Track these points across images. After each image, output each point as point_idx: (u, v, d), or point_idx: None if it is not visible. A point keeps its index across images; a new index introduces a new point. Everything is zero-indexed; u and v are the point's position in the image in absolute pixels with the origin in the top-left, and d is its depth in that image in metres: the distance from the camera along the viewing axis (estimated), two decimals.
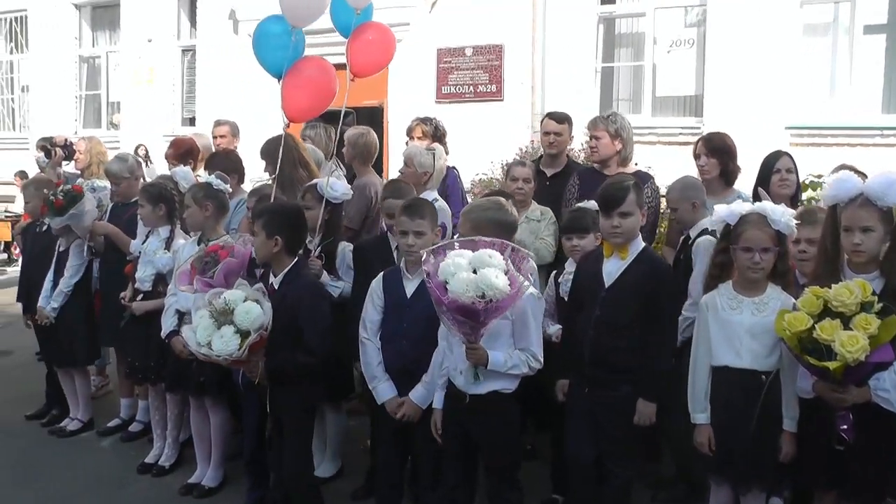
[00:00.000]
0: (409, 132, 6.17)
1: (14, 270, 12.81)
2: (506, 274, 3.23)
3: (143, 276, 4.92)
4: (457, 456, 3.73)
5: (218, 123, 7.11)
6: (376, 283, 4.01)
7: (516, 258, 3.34)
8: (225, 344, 3.54)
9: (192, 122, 13.71)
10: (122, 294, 5.09)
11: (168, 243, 4.93)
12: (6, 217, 13.32)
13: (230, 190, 4.75)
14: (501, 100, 10.47)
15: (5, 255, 13.73)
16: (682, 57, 10.29)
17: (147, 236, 5.03)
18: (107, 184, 6.02)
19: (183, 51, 13.72)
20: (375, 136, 6.00)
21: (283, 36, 4.76)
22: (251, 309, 3.60)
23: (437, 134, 6.08)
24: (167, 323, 4.63)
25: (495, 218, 3.80)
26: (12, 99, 16.23)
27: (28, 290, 5.90)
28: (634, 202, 3.80)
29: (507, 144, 9.36)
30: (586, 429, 3.87)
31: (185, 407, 5.04)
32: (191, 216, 4.63)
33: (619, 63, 10.80)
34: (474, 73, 10.58)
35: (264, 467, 4.44)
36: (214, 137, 6.99)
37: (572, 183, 5.38)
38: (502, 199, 4.03)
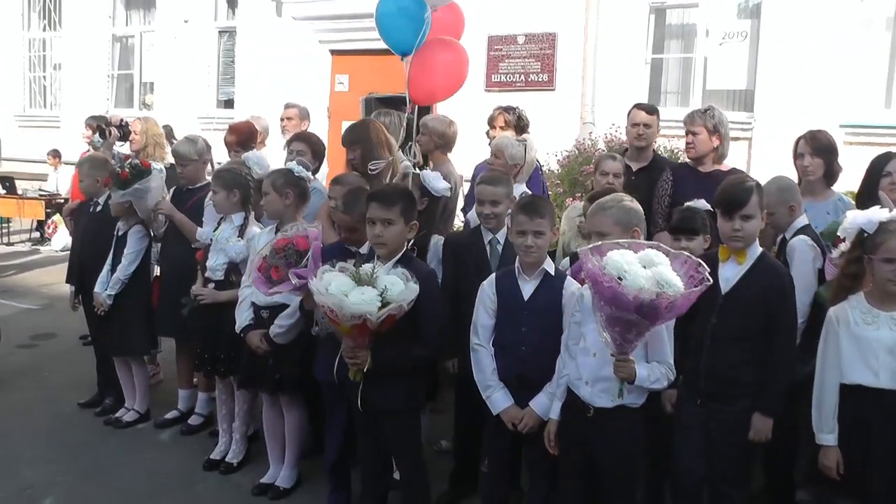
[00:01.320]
0: (491, 121, 5.85)
1: (48, 249, 12.60)
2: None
3: (215, 264, 4.63)
4: (574, 470, 3.44)
5: (287, 106, 6.83)
6: (488, 286, 3.70)
7: (677, 261, 3.05)
8: (365, 301, 3.21)
9: (226, 104, 13.45)
10: (193, 287, 4.82)
11: (242, 231, 4.63)
12: (40, 195, 13.05)
13: (312, 177, 4.44)
14: (553, 89, 10.14)
15: (38, 234, 13.45)
16: (734, 50, 9.96)
17: (219, 223, 4.73)
18: (162, 167, 5.76)
19: (220, 32, 13.42)
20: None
21: (416, 15, 4.42)
22: (396, 282, 3.30)
23: (520, 124, 5.76)
24: (242, 316, 4.32)
25: (634, 210, 3.54)
26: (44, 77, 15.96)
27: (81, 273, 5.61)
28: (757, 204, 3.51)
29: (559, 136, 9.03)
30: (698, 444, 3.58)
31: (254, 402, 4.79)
32: (270, 204, 4.32)
33: (669, 55, 10.48)
34: (526, 62, 10.23)
35: (347, 469, 4.19)
36: (282, 120, 6.69)
37: (665, 179, 5.08)
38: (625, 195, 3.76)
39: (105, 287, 5.32)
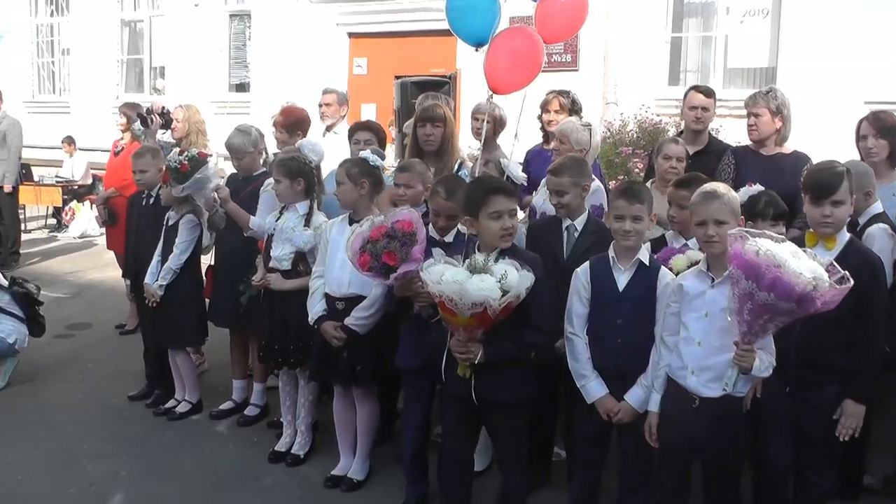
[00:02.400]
0: (545, 105, 5.68)
1: (66, 236, 12.41)
2: None
3: (281, 254, 4.46)
4: (676, 461, 3.34)
5: (325, 92, 6.64)
6: (583, 274, 3.57)
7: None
8: (486, 287, 3.09)
9: (238, 88, 13.23)
10: (254, 277, 4.67)
11: (307, 219, 4.48)
12: (57, 182, 12.83)
13: (385, 165, 4.29)
14: (577, 69, 9.98)
15: (55, 221, 13.23)
16: (755, 27, 9.82)
17: (281, 213, 4.58)
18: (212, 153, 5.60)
19: (231, 16, 13.16)
20: None
21: (488, 4, 4.25)
22: (510, 271, 3.17)
23: (574, 108, 5.60)
24: (316, 307, 4.18)
25: (737, 199, 3.42)
26: (52, 62, 15.67)
27: (136, 267, 5.44)
28: (847, 190, 3.39)
29: (584, 117, 8.89)
30: (786, 433, 3.51)
31: (319, 393, 4.67)
32: (344, 194, 4.16)
33: (688, 33, 10.32)
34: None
35: (426, 460, 4.09)
36: (320, 106, 6.51)
37: (727, 162, 4.95)
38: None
39: (155, 278, 5.17)
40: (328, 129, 6.52)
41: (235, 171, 5.19)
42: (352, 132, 5.21)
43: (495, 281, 3.15)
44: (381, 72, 10.89)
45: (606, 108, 9.78)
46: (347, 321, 4.07)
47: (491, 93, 4.36)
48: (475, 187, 3.59)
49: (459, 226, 3.81)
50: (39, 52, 15.67)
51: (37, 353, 6.29)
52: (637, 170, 7.65)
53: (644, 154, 7.80)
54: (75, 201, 12.85)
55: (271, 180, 4.88)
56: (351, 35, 11.60)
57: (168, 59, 13.85)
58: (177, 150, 5.12)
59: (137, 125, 6.48)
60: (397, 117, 7.03)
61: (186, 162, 4.83)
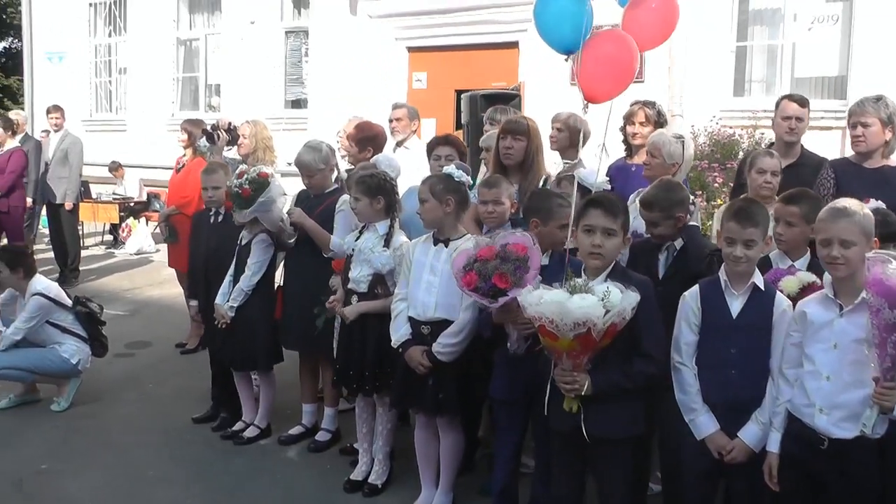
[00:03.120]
0: (629, 117, 5.38)
1: (122, 253, 12.36)
2: None
3: (359, 276, 4.21)
4: None
5: (395, 107, 6.43)
6: (692, 299, 3.27)
7: None
8: (587, 305, 2.86)
9: (293, 104, 13.13)
10: (331, 298, 4.43)
11: (387, 240, 4.23)
12: (114, 199, 12.82)
13: (470, 181, 4.02)
14: (642, 81, 9.63)
15: (112, 237, 13.21)
16: (824, 34, 9.43)
17: (360, 232, 4.33)
18: (270, 170, 5.37)
19: (286, 32, 13.08)
20: None
21: (578, 9, 3.99)
22: (613, 290, 2.93)
23: (659, 119, 5.29)
24: (400, 332, 3.92)
25: (871, 217, 3.09)
26: (110, 81, 15.75)
27: (206, 286, 5.24)
28: None
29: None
30: None
31: (397, 421, 4.41)
32: (428, 212, 3.89)
33: (754, 42, 9.96)
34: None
35: (517, 493, 3.84)
36: (390, 121, 6.30)
37: (826, 176, 4.61)
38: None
39: (226, 298, 4.95)
40: (399, 144, 6.30)
41: (305, 188, 4.93)
42: (431, 147, 4.96)
43: (597, 299, 2.91)
44: (441, 86, 10.71)
45: (672, 120, 9.42)
46: (434, 349, 3.82)
47: (586, 103, 4.03)
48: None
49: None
50: (97, 71, 15.77)
51: (97, 373, 6.12)
52: (716, 184, 7.30)
53: (719, 167, 7.47)
54: (132, 218, 12.80)
55: (345, 198, 4.67)
56: (410, 49, 11.42)
57: (223, 77, 13.81)
58: (241, 167, 4.87)
59: (203, 141, 6.31)
60: (466, 132, 6.81)
61: (248, 186, 4.61)
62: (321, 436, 4.99)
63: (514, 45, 10.10)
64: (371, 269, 4.19)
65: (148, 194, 13.30)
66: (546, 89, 9.39)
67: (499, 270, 3.28)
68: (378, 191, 4.20)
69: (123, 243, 12.69)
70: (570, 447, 3.28)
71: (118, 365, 6.68)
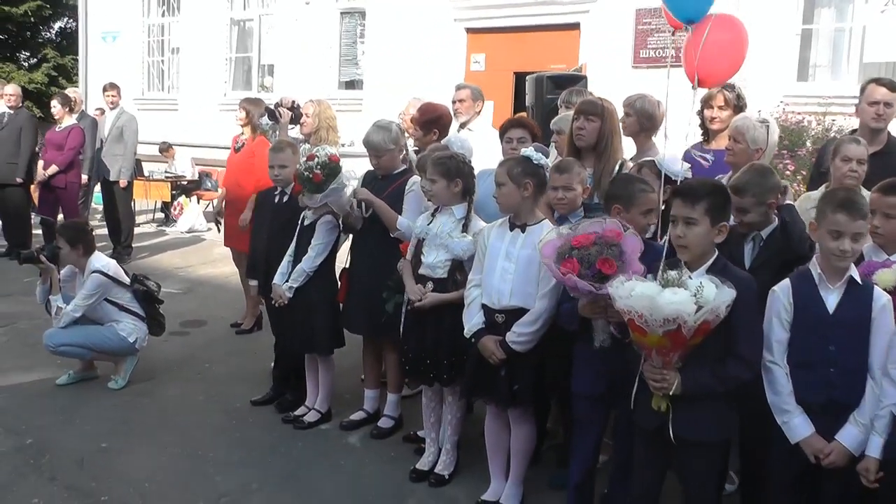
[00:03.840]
0: (707, 101, 5.15)
1: (174, 231, 12.38)
2: None
3: (435, 261, 4.04)
4: None
5: (458, 88, 6.24)
6: (783, 294, 3.07)
7: None
8: (679, 301, 2.71)
9: (347, 85, 13.02)
10: (408, 291, 4.25)
11: (465, 225, 4.07)
12: (167, 177, 12.84)
13: (549, 164, 3.84)
14: None
15: (163, 215, 13.25)
16: None
17: (432, 215, 4.17)
18: (335, 150, 5.23)
19: (341, 13, 12.96)
20: None
21: None
22: (708, 285, 2.76)
23: (739, 104, 5.05)
24: (474, 319, 3.76)
25: None
26: (162, 61, 15.78)
27: (268, 267, 5.11)
28: None
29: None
30: None
31: (466, 411, 4.27)
32: (505, 196, 3.71)
33: (820, 25, 9.60)
34: (677, 35, 9.41)
35: (591, 491, 3.68)
36: (454, 102, 6.13)
37: None
38: None
39: (285, 278, 4.84)
40: (462, 125, 6.12)
41: (373, 168, 4.78)
42: (503, 130, 4.77)
43: (689, 294, 2.74)
44: (500, 68, 10.52)
45: None
46: (508, 338, 3.66)
47: (694, 85, 3.75)
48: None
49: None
50: (150, 51, 15.81)
51: (153, 351, 6.05)
52: (788, 172, 7.02)
53: (789, 154, 7.18)
54: (184, 196, 12.82)
55: (415, 179, 4.51)
56: (469, 31, 11.23)
57: (277, 57, 13.74)
58: (305, 148, 4.71)
59: (265, 120, 6.19)
60: (531, 114, 6.62)
61: (319, 171, 4.44)
62: (384, 422, 4.86)
63: (575, 26, 9.87)
64: (449, 255, 4.02)
65: (200, 173, 13.31)
66: (608, 72, 9.17)
67: (602, 256, 3.11)
68: (457, 173, 4.03)
69: (175, 221, 12.72)
70: (653, 445, 3.13)
71: (173, 343, 6.62)
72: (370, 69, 12.40)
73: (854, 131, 5.05)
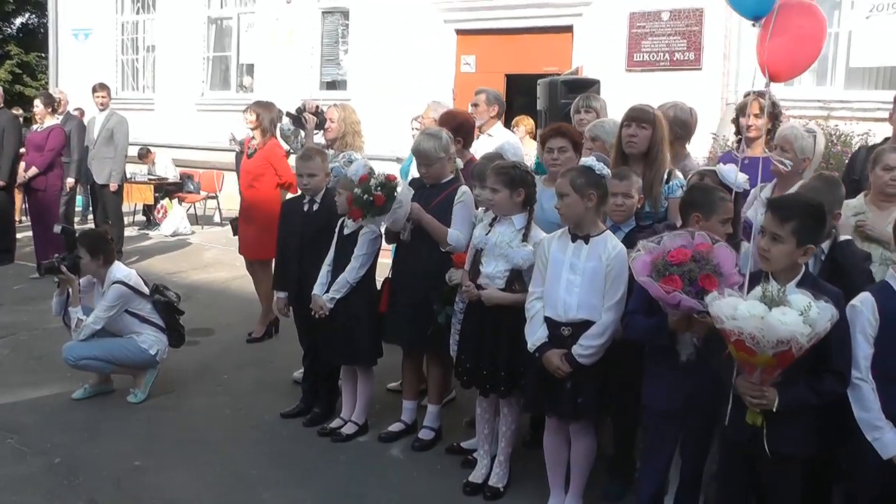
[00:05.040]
0: (742, 109, 5.12)
1: (158, 234, 12.11)
2: None
3: (494, 271, 3.96)
4: None
5: (476, 92, 6.14)
6: (866, 307, 3.05)
7: None
8: (790, 322, 2.66)
9: (329, 85, 12.85)
10: (463, 287, 4.15)
11: (525, 234, 3.99)
12: (150, 180, 12.54)
13: (609, 174, 3.78)
14: (700, 69, 9.42)
15: (145, 218, 12.95)
16: (883, 23, 9.19)
17: (490, 225, 4.09)
18: (360, 156, 5.13)
19: (323, 13, 12.77)
20: None
21: None
22: (814, 305, 2.73)
23: (774, 111, 5.05)
24: (537, 334, 3.70)
25: None
26: (136, 59, 15.42)
27: (300, 277, 5.02)
28: None
29: (707, 119, 8.33)
30: None
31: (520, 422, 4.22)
32: (568, 207, 3.65)
33: None
34: (671, 40, 9.50)
35: None
36: (470, 107, 6.04)
37: None
38: None
39: (325, 289, 4.73)
40: (479, 130, 6.03)
41: (421, 177, 4.68)
42: (543, 139, 4.69)
43: (797, 314, 2.70)
44: (491, 70, 10.44)
45: (726, 109, 9.20)
46: (575, 351, 3.61)
47: (768, 80, 3.59)
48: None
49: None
50: (124, 49, 15.44)
51: (166, 362, 5.85)
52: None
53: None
54: (167, 199, 12.54)
55: (464, 188, 4.45)
56: (459, 32, 11.14)
57: (257, 56, 13.51)
58: (351, 167, 4.55)
59: (287, 123, 6.04)
60: (543, 119, 6.56)
61: (380, 192, 4.26)
62: (425, 434, 4.77)
63: (568, 29, 9.84)
64: (508, 265, 3.95)
65: (181, 175, 13.03)
66: (601, 75, 9.12)
67: (704, 272, 3.06)
68: (521, 183, 3.96)
69: (158, 224, 12.44)
70: (742, 461, 3.10)
71: (186, 353, 6.40)
72: (355, 70, 12.24)
73: (886, 140, 5.07)
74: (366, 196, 4.30)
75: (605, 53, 9.60)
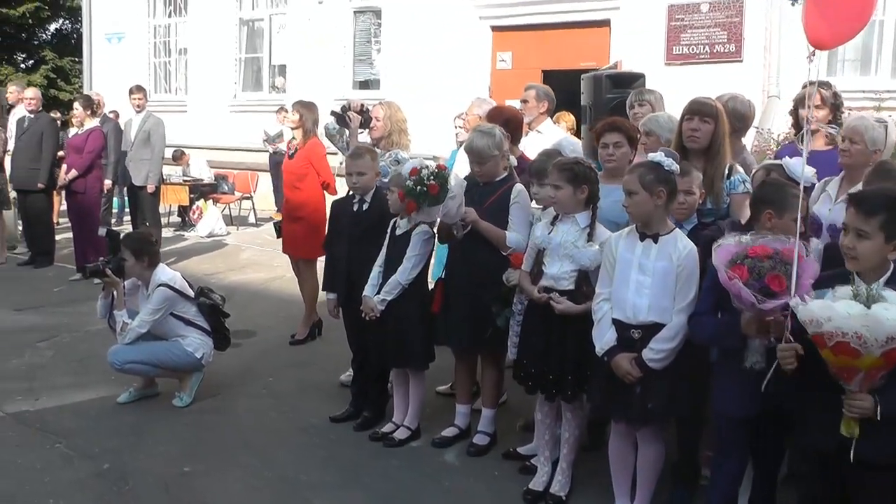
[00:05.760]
0: (801, 101, 4.91)
1: (194, 235, 12.04)
2: None
3: (560, 272, 3.78)
4: None
5: (526, 88, 5.97)
6: None
7: None
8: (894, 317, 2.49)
9: (362, 85, 12.72)
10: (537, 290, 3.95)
11: (590, 233, 3.80)
12: (185, 181, 12.48)
13: (678, 170, 3.59)
14: (741, 61, 9.16)
15: (180, 220, 12.90)
16: None
17: (552, 224, 3.91)
18: (407, 155, 4.96)
19: (355, 12, 12.64)
20: None
21: None
22: None
23: (836, 102, 4.83)
24: (606, 337, 3.52)
25: None
26: (168, 62, 15.39)
27: (350, 278, 4.87)
28: None
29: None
30: None
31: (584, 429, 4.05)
32: (637, 205, 3.45)
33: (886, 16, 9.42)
34: (711, 32, 9.26)
35: None
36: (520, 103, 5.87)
37: None
38: None
39: (376, 290, 4.57)
40: (528, 126, 5.85)
41: (474, 174, 4.50)
42: (598, 134, 4.50)
43: None
44: (527, 66, 10.26)
45: (768, 101, 8.95)
46: (646, 355, 3.43)
47: (813, 50, 3.33)
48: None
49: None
50: (156, 52, 15.41)
51: (211, 365, 5.74)
52: None
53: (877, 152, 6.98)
54: (202, 200, 12.47)
55: (520, 187, 4.28)
56: (494, 28, 10.95)
57: (289, 57, 13.41)
58: (401, 162, 4.41)
59: (332, 123, 5.90)
60: (588, 115, 6.38)
61: (434, 181, 4.13)
62: (480, 439, 4.60)
63: (605, 23, 9.64)
64: (574, 265, 3.77)
65: (216, 176, 12.97)
66: (640, 69, 8.93)
67: (774, 272, 2.88)
68: (584, 179, 3.79)
69: (193, 225, 12.38)
70: (827, 471, 2.90)
71: (229, 356, 6.24)
72: (388, 69, 12.09)
73: None
74: (419, 187, 4.17)
75: (644, 47, 9.37)
